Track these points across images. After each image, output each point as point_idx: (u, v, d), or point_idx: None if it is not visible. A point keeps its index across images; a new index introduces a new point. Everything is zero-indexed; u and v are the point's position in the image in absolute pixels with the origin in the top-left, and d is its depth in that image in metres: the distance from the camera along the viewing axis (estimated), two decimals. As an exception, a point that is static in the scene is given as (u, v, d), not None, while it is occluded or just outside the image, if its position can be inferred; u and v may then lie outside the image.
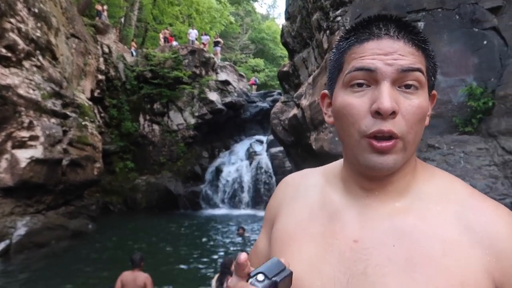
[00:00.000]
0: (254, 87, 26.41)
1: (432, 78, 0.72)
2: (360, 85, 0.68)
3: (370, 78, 0.67)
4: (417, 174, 0.74)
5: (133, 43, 20.61)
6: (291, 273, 0.63)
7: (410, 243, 0.66)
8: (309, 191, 0.84)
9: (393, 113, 0.65)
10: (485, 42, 5.76)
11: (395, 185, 0.72)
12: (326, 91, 0.80)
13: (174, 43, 20.48)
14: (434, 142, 5.72)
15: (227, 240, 10.97)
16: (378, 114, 0.65)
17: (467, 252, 0.63)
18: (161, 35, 21.60)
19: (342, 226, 0.73)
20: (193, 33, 20.52)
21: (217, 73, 20.05)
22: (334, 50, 0.76)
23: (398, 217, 0.69)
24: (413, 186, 0.73)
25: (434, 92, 0.76)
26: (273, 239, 0.83)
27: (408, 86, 0.67)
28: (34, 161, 9.50)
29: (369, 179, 0.72)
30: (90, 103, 13.58)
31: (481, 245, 0.63)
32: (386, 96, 0.65)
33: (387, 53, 0.67)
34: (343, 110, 0.70)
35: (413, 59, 0.67)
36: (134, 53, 19.49)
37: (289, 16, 11.10)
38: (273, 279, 0.62)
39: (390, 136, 0.66)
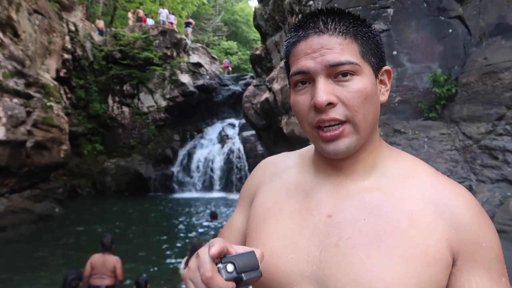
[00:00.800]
0: (228, 69, 26.10)
1: (373, 58, 0.75)
2: (303, 82, 0.74)
3: (308, 77, 0.73)
4: (383, 154, 0.80)
5: (99, 21, 19.76)
6: (260, 276, 0.62)
7: (379, 217, 0.71)
8: (286, 172, 0.89)
9: (331, 104, 0.71)
10: (450, 30, 5.93)
11: (362, 164, 0.77)
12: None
13: (150, 21, 19.74)
14: (400, 127, 5.90)
15: (198, 223, 11.00)
16: (317, 108, 0.71)
17: (431, 224, 0.69)
18: (130, 14, 20.88)
19: (316, 203, 0.78)
20: (163, 13, 19.95)
21: (189, 55, 19.70)
22: (282, 54, 0.82)
23: (367, 193, 0.75)
24: (379, 165, 0.78)
25: (386, 68, 0.78)
26: (251, 216, 0.87)
27: (344, 75, 0.71)
28: (-4, 143, 9.13)
29: (337, 160, 0.77)
30: (56, 83, 13.07)
31: (443, 217, 0.69)
32: (320, 91, 0.70)
33: (315, 50, 0.71)
34: (294, 108, 0.77)
35: (341, 50, 0.70)
36: (98, 32, 18.68)
37: (262, -1, 10.98)
38: (242, 275, 0.60)
39: (337, 123, 0.72)
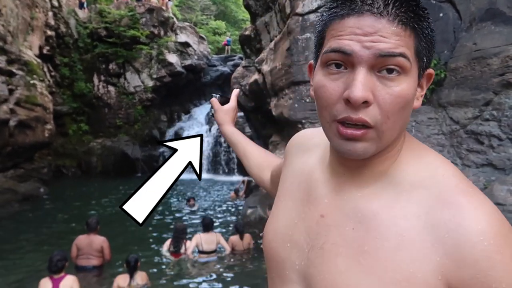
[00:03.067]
0: (228, 47, 25.40)
1: (425, 58, 0.65)
2: (337, 65, 0.63)
3: (347, 60, 0.62)
4: (401, 162, 0.69)
5: None
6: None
7: (368, 230, 0.65)
8: (312, 151, 0.84)
9: (366, 103, 0.61)
10: (441, 14, 5.91)
11: (371, 169, 0.69)
12: (312, 62, 0.75)
13: None
14: (389, 111, 5.92)
15: (182, 205, 11.01)
16: (349, 102, 0.61)
17: (425, 250, 0.59)
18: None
19: (315, 198, 0.75)
20: None
21: (176, 34, 19.34)
22: (317, 19, 0.70)
23: (364, 201, 0.67)
24: (391, 171, 0.68)
25: (430, 71, 0.68)
26: (278, 185, 0.89)
27: (389, 71, 0.61)
28: (-23, 121, 8.91)
29: (346, 160, 0.70)
30: (39, 60, 12.74)
31: (443, 246, 0.58)
32: (359, 84, 0.60)
33: (366, 33, 0.60)
34: (318, 92, 0.66)
35: (397, 41, 0.60)
36: (79, 4, 17.92)
37: (252, -22, 10.74)
38: None
39: (362, 125, 0.62)
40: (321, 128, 0.74)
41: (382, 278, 0.61)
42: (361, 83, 0.60)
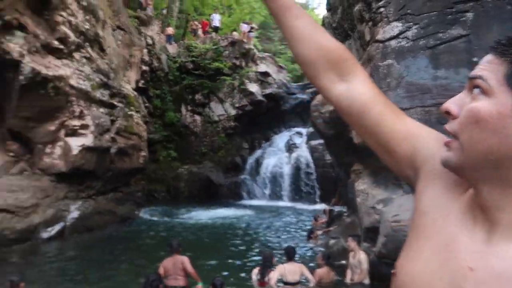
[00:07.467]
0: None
1: None
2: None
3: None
4: None
5: (168, 28, 20.39)
6: None
7: None
8: (452, 182, 0.75)
9: (449, 114, 0.70)
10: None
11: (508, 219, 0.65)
12: None
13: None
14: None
15: (267, 232, 11.06)
16: None
17: None
18: (199, 25, 22.10)
19: (464, 246, 0.67)
20: (216, 18, 20.84)
21: (257, 64, 20.11)
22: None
23: None
24: None
25: None
26: (413, 216, 0.79)
27: (475, 90, 0.68)
28: (85, 149, 10.07)
29: (482, 199, 0.68)
30: (135, 93, 14.09)
31: None
32: (451, 98, 0.71)
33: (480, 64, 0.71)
34: None
35: (485, 66, 0.68)
36: (166, 39, 19.54)
37: (330, 7, 10.91)
38: None
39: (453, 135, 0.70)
40: None
41: None
42: (453, 98, 0.71)
